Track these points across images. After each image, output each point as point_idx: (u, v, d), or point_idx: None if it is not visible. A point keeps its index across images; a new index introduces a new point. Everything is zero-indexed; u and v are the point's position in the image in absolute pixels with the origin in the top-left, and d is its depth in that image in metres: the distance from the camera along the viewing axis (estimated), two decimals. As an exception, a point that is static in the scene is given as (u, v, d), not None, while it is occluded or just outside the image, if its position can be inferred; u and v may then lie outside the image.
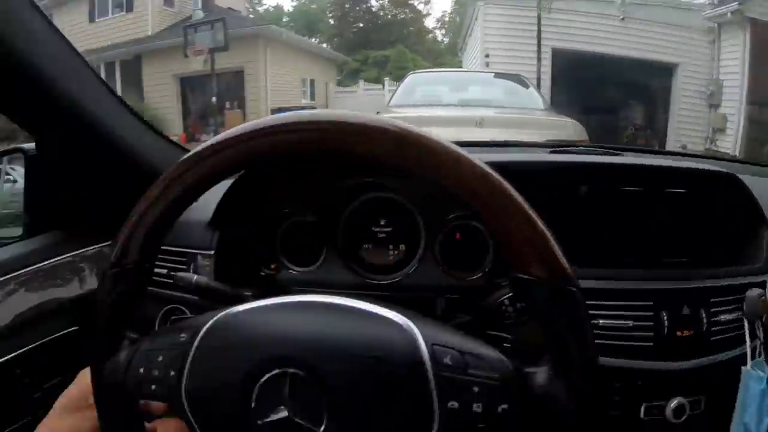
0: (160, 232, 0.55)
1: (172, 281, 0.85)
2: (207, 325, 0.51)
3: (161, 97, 14.23)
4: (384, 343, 0.48)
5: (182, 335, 0.51)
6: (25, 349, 0.87)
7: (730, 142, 9.52)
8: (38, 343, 0.89)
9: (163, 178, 0.53)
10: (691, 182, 0.96)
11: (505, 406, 0.46)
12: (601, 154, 1.11)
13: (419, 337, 0.48)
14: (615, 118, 11.36)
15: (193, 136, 13.69)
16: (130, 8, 15.13)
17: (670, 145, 10.37)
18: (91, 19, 15.23)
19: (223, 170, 0.52)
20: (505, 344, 0.81)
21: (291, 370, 0.47)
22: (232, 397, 0.48)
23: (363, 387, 0.47)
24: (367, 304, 0.52)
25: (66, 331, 0.95)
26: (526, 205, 0.47)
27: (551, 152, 1.16)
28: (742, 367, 0.82)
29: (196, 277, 0.82)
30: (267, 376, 0.48)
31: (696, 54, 10.31)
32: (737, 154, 8.89)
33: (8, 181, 1.29)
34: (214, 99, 12.25)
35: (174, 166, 0.53)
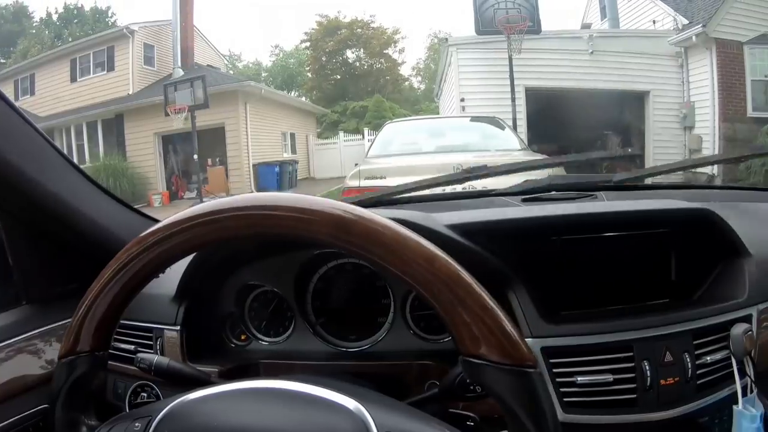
0: (113, 317, 0.55)
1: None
2: (161, 415, 0.51)
3: (144, 156, 14.27)
4: None
5: (137, 424, 0.51)
6: None
7: (707, 162, 9.68)
8: (6, 422, 0.86)
9: (111, 264, 0.53)
10: (667, 222, 0.94)
11: None
12: (574, 199, 1.10)
13: (371, 423, 0.47)
14: (592, 151, 11.46)
15: (176, 194, 13.74)
16: (111, 68, 15.39)
17: (649, 171, 10.49)
18: (73, 79, 15.46)
19: (175, 255, 0.53)
20: (468, 422, 0.79)
21: None
22: None
23: None
24: (318, 388, 0.51)
25: (35, 409, 0.91)
26: (474, 284, 0.46)
27: (523, 200, 1.15)
28: (734, 407, 0.79)
29: (156, 358, 0.79)
30: None
31: (666, 79, 10.66)
32: (714, 173, 9.03)
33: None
34: (195, 156, 12.23)
35: (122, 251, 0.53)
